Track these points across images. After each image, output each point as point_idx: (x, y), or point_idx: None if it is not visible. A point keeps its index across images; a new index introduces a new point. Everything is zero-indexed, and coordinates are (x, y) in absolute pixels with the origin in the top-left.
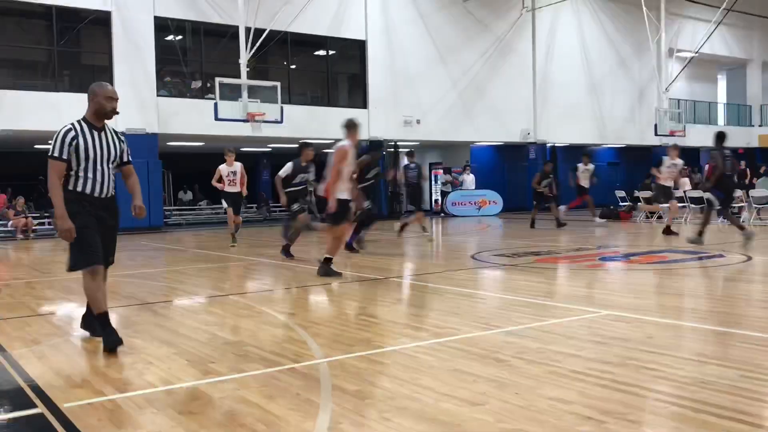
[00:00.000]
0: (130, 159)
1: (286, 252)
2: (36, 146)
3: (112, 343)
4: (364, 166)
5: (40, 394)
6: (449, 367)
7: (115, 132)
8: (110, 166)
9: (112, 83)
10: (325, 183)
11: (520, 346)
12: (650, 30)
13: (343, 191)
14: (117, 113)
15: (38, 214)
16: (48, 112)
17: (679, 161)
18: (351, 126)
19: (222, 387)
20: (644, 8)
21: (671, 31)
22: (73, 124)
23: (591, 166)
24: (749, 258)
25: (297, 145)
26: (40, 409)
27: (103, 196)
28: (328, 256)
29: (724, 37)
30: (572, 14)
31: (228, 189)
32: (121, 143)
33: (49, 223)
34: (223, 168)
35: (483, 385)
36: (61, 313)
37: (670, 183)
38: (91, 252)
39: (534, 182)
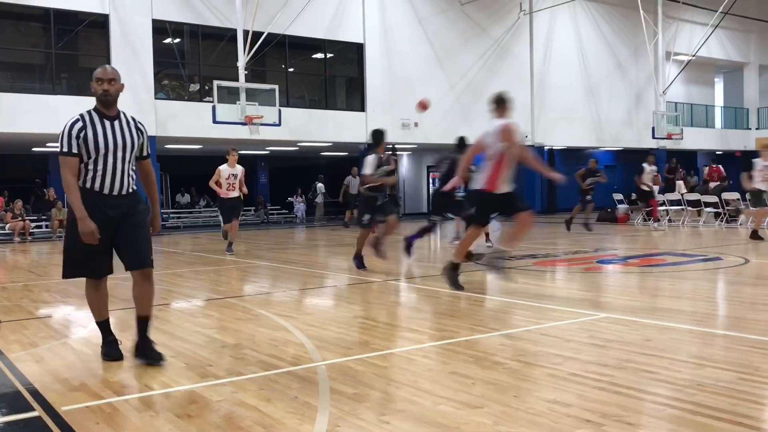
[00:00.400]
0: (149, 153)
1: (378, 251)
2: (33, 149)
3: (109, 358)
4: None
5: (37, 398)
6: (447, 369)
7: (134, 121)
8: (128, 159)
9: None
10: (488, 171)
11: (518, 349)
12: (647, 33)
13: (505, 183)
14: (108, 94)
15: (35, 217)
16: (45, 115)
17: None
18: (501, 101)
19: (220, 390)
20: (641, 11)
21: (668, 35)
22: (81, 114)
23: (655, 167)
24: (747, 261)
25: (371, 133)
26: (38, 412)
27: (116, 192)
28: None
29: (721, 40)
30: (569, 17)
31: (225, 195)
32: (140, 134)
33: (47, 226)
34: (223, 169)
35: (481, 388)
36: (58, 316)
37: (765, 186)
38: (81, 264)
39: (577, 175)
